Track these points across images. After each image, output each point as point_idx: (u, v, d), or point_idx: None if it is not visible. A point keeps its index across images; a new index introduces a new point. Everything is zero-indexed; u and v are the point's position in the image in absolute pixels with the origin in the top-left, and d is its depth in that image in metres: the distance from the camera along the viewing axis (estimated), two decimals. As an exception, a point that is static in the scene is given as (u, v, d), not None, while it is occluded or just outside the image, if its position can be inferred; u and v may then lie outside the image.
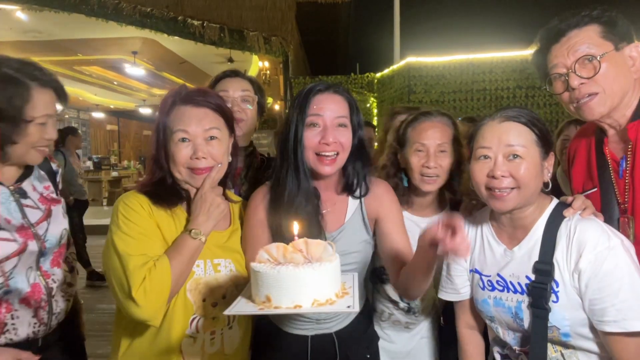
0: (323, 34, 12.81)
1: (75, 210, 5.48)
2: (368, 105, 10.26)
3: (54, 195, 1.53)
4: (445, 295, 1.49)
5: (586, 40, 1.25)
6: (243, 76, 1.85)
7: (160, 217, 1.23)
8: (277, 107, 15.15)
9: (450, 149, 1.60)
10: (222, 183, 1.35)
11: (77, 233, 5.46)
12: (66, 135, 5.76)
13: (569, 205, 1.26)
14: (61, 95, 1.43)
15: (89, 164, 17.43)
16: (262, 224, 1.35)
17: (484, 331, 1.51)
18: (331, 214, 1.38)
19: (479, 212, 1.46)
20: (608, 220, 1.30)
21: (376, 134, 4.61)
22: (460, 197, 1.68)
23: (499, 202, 1.22)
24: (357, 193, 1.40)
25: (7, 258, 1.32)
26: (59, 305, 1.46)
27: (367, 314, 1.63)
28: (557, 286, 1.19)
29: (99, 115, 20.25)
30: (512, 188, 1.20)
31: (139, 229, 1.18)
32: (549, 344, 1.24)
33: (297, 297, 0.92)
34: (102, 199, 12.51)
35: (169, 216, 1.25)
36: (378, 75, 10.00)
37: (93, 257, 5.72)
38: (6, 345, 1.32)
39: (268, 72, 10.97)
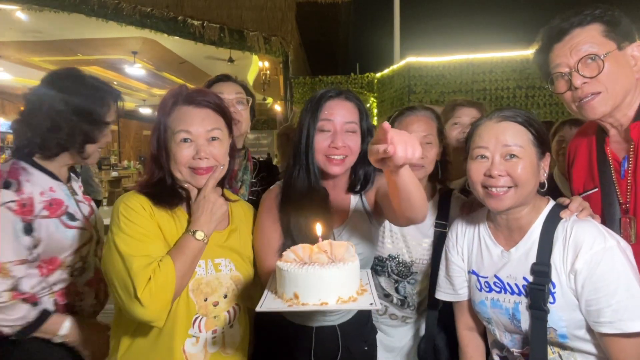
0: (323, 34, 12.82)
1: None
2: (368, 105, 10.27)
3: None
4: (443, 295, 1.49)
5: (589, 39, 1.24)
6: (235, 80, 1.91)
7: (161, 218, 1.23)
8: (277, 107, 15.16)
9: (435, 141, 1.67)
10: (221, 183, 1.36)
11: None
12: None
13: (566, 206, 1.26)
14: (118, 106, 1.66)
15: None
16: (274, 223, 1.39)
17: (484, 333, 1.50)
18: (336, 211, 1.44)
19: (476, 213, 1.46)
20: (609, 220, 1.29)
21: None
22: (448, 186, 1.78)
23: (496, 201, 1.21)
24: (357, 188, 1.47)
25: (84, 245, 1.56)
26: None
27: None
28: (554, 287, 1.18)
29: (99, 115, 20.21)
30: (509, 187, 1.20)
31: (140, 230, 1.17)
32: (547, 346, 1.23)
33: (323, 294, 0.98)
34: (102, 199, 12.52)
35: (170, 217, 1.25)
36: (378, 75, 10.01)
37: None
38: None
39: (268, 72, 10.97)
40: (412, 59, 8.75)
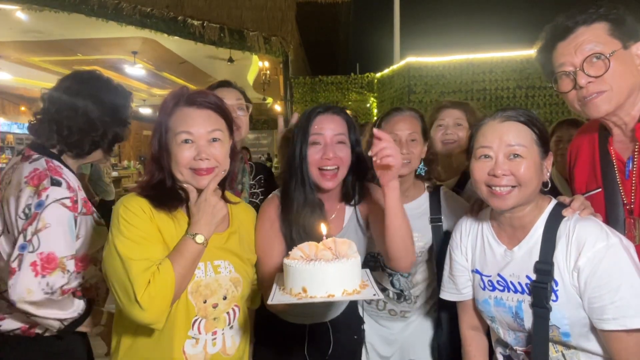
0: (323, 34, 12.83)
1: (99, 210, 5.46)
2: (368, 105, 10.27)
3: None
4: (447, 295, 1.49)
5: (594, 38, 1.22)
6: (234, 87, 1.95)
7: (161, 221, 1.23)
8: (277, 107, 15.15)
9: (420, 139, 1.75)
10: (222, 185, 1.35)
11: None
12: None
13: (568, 205, 1.26)
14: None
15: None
16: (275, 231, 1.48)
17: (488, 332, 1.50)
18: (333, 221, 1.54)
19: (480, 212, 1.47)
20: (613, 221, 1.28)
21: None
22: (435, 183, 1.86)
23: (499, 200, 1.22)
24: (353, 202, 1.57)
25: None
26: None
27: (354, 301, 1.75)
28: (557, 285, 1.19)
29: (99, 115, 20.20)
30: (513, 186, 1.21)
31: (140, 233, 1.17)
32: (550, 344, 1.23)
33: (329, 287, 1.05)
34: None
35: (170, 219, 1.25)
36: (378, 75, 10.01)
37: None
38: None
39: (268, 72, 10.96)
40: (412, 59, 8.75)
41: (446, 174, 2.13)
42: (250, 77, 11.99)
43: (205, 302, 1.25)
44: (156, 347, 1.22)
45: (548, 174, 1.26)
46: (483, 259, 1.37)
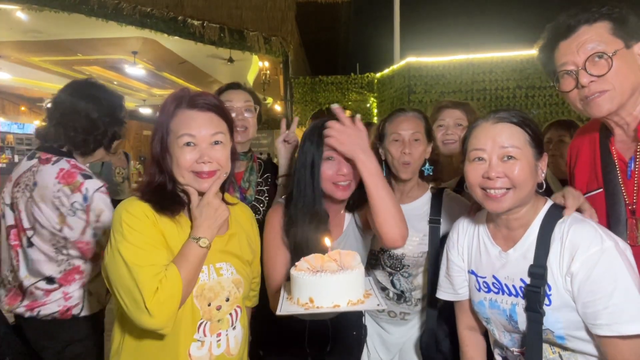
0: (323, 34, 12.81)
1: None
2: (368, 105, 10.27)
3: None
4: (443, 295, 1.49)
5: (596, 37, 1.21)
6: (244, 88, 1.97)
7: (164, 225, 1.22)
8: (277, 107, 15.14)
9: (423, 139, 1.75)
10: (222, 187, 1.34)
11: None
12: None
13: (563, 206, 1.24)
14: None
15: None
16: (279, 241, 1.51)
17: (487, 333, 1.49)
18: (333, 226, 1.57)
19: (477, 213, 1.46)
20: (614, 221, 1.27)
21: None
22: (440, 183, 1.86)
23: (495, 203, 1.21)
24: (351, 208, 1.61)
25: None
26: None
27: None
28: (550, 289, 1.18)
29: (99, 115, 20.18)
30: (508, 189, 1.20)
31: (145, 239, 1.16)
32: (547, 345, 1.23)
33: (335, 298, 1.10)
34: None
35: (172, 223, 1.24)
36: (378, 75, 10.00)
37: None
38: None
39: (268, 72, 10.96)
40: (412, 59, 8.74)
41: (447, 174, 2.13)
42: (250, 77, 11.99)
43: (209, 304, 1.25)
44: (161, 351, 1.22)
45: (543, 175, 1.25)
46: (478, 260, 1.36)
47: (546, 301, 1.18)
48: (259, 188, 1.95)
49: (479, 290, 1.35)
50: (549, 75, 1.35)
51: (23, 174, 1.72)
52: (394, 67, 9.40)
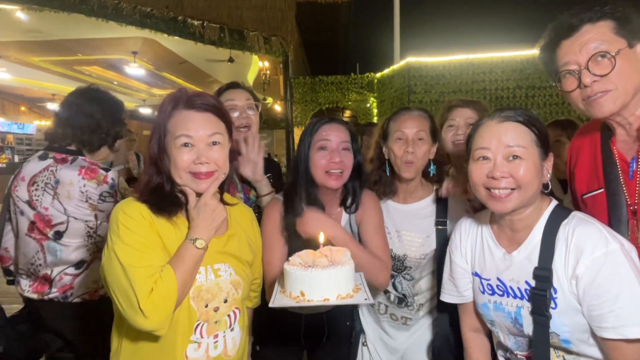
0: (323, 34, 12.80)
1: None
2: (368, 105, 10.27)
3: None
4: (447, 297, 1.46)
5: (599, 36, 1.19)
6: (244, 87, 1.99)
7: (161, 226, 1.22)
8: (277, 107, 15.14)
9: (428, 138, 1.72)
10: (220, 187, 1.34)
11: None
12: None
13: (567, 207, 1.23)
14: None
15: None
16: (277, 235, 1.56)
17: (490, 334, 1.48)
18: None
19: (480, 213, 1.44)
20: (616, 222, 1.26)
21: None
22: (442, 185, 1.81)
23: (499, 203, 1.19)
24: (350, 209, 1.65)
25: None
26: None
27: None
28: (555, 293, 1.16)
29: (99, 115, 20.18)
30: (512, 189, 1.18)
31: (141, 240, 1.16)
32: (551, 349, 1.21)
33: (325, 292, 1.15)
34: None
35: (170, 224, 1.24)
36: (378, 75, 10.01)
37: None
38: None
39: (268, 72, 10.96)
40: (412, 59, 8.75)
41: (459, 176, 2.09)
42: (250, 77, 11.99)
43: (206, 306, 1.24)
44: (158, 352, 1.21)
45: (548, 176, 1.23)
46: (482, 261, 1.34)
47: (552, 304, 1.16)
48: None
49: (483, 292, 1.33)
50: (551, 75, 1.33)
51: (39, 173, 1.84)
52: (394, 67, 9.41)
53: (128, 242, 1.14)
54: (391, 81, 9.48)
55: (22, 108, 17.63)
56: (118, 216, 1.18)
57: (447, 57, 8.60)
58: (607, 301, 1.08)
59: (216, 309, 1.26)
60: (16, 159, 15.45)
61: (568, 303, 1.15)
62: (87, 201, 1.83)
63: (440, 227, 1.70)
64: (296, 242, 1.50)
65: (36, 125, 17.83)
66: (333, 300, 1.15)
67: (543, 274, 1.17)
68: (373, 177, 1.79)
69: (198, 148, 1.23)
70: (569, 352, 1.21)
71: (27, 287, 1.86)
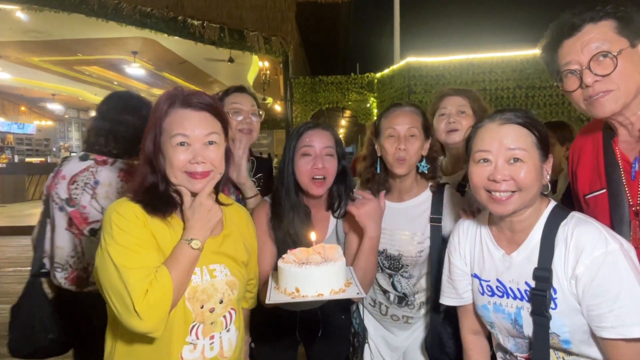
0: (323, 34, 12.81)
1: None
2: (368, 105, 10.27)
3: None
4: (446, 300, 1.44)
5: (601, 36, 1.18)
6: (249, 92, 2.00)
7: (155, 227, 1.19)
8: (277, 107, 15.15)
9: (420, 134, 1.68)
10: (216, 187, 1.32)
11: None
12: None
13: (566, 207, 1.22)
14: None
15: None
16: (265, 236, 1.61)
17: (489, 335, 1.47)
18: (317, 228, 1.63)
19: (478, 215, 1.43)
20: (618, 222, 1.25)
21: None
22: (439, 181, 1.77)
23: (500, 206, 1.18)
24: (337, 214, 1.67)
25: None
26: None
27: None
28: (555, 293, 1.15)
29: (99, 115, 20.24)
30: (513, 191, 1.16)
31: (135, 240, 1.13)
32: (551, 350, 1.21)
33: (319, 287, 1.19)
34: None
35: (164, 225, 1.21)
36: (378, 75, 10.01)
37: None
38: None
39: (268, 72, 10.97)
40: (412, 59, 8.75)
41: (452, 167, 2.05)
42: (250, 77, 11.99)
43: (202, 307, 1.22)
44: (153, 354, 1.19)
45: (548, 177, 1.23)
46: (482, 263, 1.34)
47: (552, 305, 1.16)
48: None
49: (482, 294, 1.32)
50: (552, 75, 1.32)
51: (79, 173, 1.90)
52: (394, 67, 9.41)
53: (122, 243, 1.11)
54: (391, 81, 9.49)
55: (22, 108, 17.64)
56: (111, 217, 1.15)
57: (447, 57, 8.61)
58: (606, 301, 1.08)
59: (212, 310, 1.24)
60: (16, 159, 15.46)
61: (568, 303, 1.15)
62: None
63: (434, 223, 1.68)
64: (284, 243, 1.54)
65: (36, 125, 17.85)
66: (327, 295, 1.19)
67: (543, 274, 1.17)
68: (366, 175, 1.78)
69: (194, 147, 1.21)
70: (569, 353, 1.20)
71: (63, 280, 1.92)
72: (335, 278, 1.22)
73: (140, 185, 1.22)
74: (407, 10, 10.31)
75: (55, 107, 17.71)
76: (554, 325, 1.16)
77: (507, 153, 1.18)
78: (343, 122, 14.37)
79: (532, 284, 1.19)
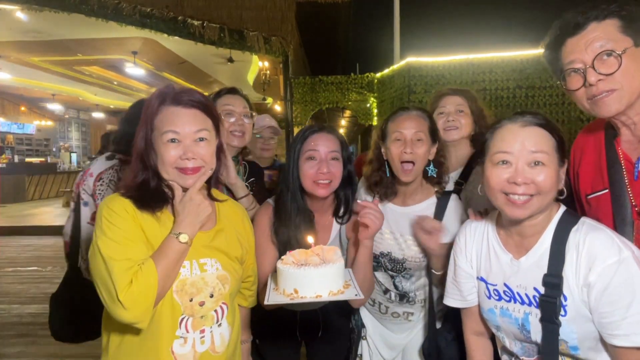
0: (323, 34, 12.80)
1: None
2: (368, 105, 10.26)
3: None
4: (451, 301, 1.44)
5: (605, 34, 1.17)
6: (241, 94, 2.00)
7: (145, 221, 1.22)
8: (277, 107, 15.14)
9: (427, 139, 1.68)
10: (207, 183, 1.35)
11: None
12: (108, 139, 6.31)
13: (577, 215, 1.20)
14: None
15: (89, 164, 17.47)
16: (267, 238, 1.61)
17: (493, 336, 1.46)
18: (320, 233, 1.64)
19: (486, 215, 1.41)
20: (620, 223, 1.25)
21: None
22: (444, 187, 1.76)
23: (517, 209, 1.16)
24: (340, 219, 1.68)
25: None
26: None
27: None
28: (565, 300, 1.15)
29: (99, 115, 20.23)
30: (532, 195, 1.15)
31: (123, 233, 1.17)
32: (559, 356, 1.19)
33: (318, 289, 1.20)
34: None
35: (154, 220, 1.24)
36: (378, 75, 10.00)
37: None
38: None
39: (268, 72, 10.96)
40: (412, 59, 8.74)
41: (449, 164, 2.03)
42: (250, 77, 11.99)
43: (191, 300, 1.24)
44: (143, 346, 1.22)
45: (562, 183, 1.21)
46: (488, 266, 1.32)
47: (561, 312, 1.15)
48: None
49: (489, 297, 1.31)
50: (555, 73, 1.31)
51: (105, 171, 2.01)
52: (394, 67, 9.40)
53: (110, 236, 1.15)
54: (391, 81, 9.48)
55: (22, 108, 17.63)
56: (102, 211, 1.20)
57: (447, 57, 8.59)
58: (619, 309, 1.07)
59: (201, 304, 1.26)
60: (16, 159, 15.44)
61: (578, 311, 1.14)
62: None
63: None
64: (287, 247, 1.53)
65: (36, 125, 17.84)
66: (325, 296, 1.20)
67: (553, 281, 1.15)
68: (373, 179, 1.76)
69: (184, 144, 1.24)
70: (576, 359, 1.20)
71: (85, 271, 2.01)
72: (334, 279, 1.22)
73: (132, 181, 1.26)
74: (407, 10, 10.30)
75: (55, 107, 17.70)
76: (563, 332, 1.15)
77: (529, 156, 1.16)
78: (343, 122, 14.36)
79: (542, 290, 1.17)
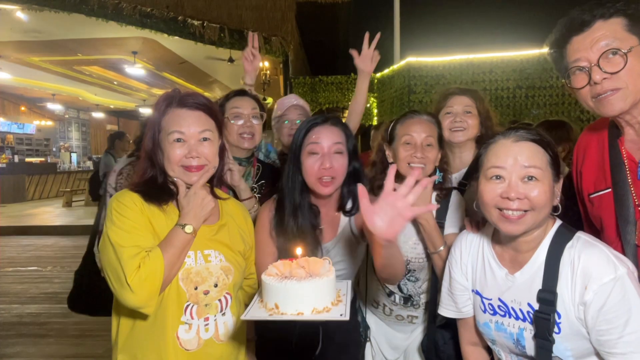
0: (323, 34, 12.80)
1: None
2: (368, 105, 10.27)
3: None
4: (445, 312, 1.43)
5: (611, 33, 1.16)
6: (250, 95, 2.00)
7: (152, 213, 1.30)
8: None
9: (436, 144, 1.67)
10: (210, 181, 1.41)
11: None
12: (114, 139, 6.43)
13: (573, 230, 1.19)
14: None
15: (89, 163, 17.47)
16: (268, 235, 1.55)
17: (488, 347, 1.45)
18: (326, 228, 1.57)
19: (483, 227, 1.39)
20: (623, 222, 1.24)
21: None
22: (445, 194, 1.74)
23: (511, 225, 1.16)
24: (350, 213, 1.58)
25: None
26: None
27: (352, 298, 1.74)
28: (559, 317, 1.14)
29: (99, 115, 20.26)
30: (525, 210, 1.14)
31: (131, 223, 1.25)
32: None
33: (299, 305, 1.08)
34: None
35: (161, 212, 1.32)
36: (378, 75, 10.00)
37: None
38: None
39: (268, 72, 10.97)
40: (412, 59, 8.74)
41: (454, 165, 2.03)
42: (250, 77, 11.97)
43: (196, 288, 1.31)
44: (151, 332, 1.28)
45: (558, 199, 1.20)
46: (483, 280, 1.31)
47: (555, 329, 1.14)
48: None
49: (484, 311, 1.30)
50: (560, 71, 1.30)
51: (125, 166, 2.09)
52: (394, 67, 9.40)
53: (119, 225, 1.24)
54: (391, 81, 9.48)
55: (22, 108, 17.64)
56: (113, 204, 1.28)
57: (447, 57, 8.60)
58: (616, 327, 1.07)
59: (206, 292, 1.32)
60: (16, 159, 15.44)
61: (572, 328, 1.13)
62: None
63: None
64: (289, 244, 1.47)
65: (36, 125, 17.85)
66: (307, 314, 1.07)
67: (547, 297, 1.14)
68: (377, 182, 1.72)
69: (189, 143, 1.33)
70: None
71: None
72: (320, 295, 1.09)
73: (140, 177, 1.37)
74: (407, 10, 10.29)
75: (55, 107, 17.71)
76: (557, 349, 1.14)
77: (522, 171, 1.15)
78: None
79: (536, 306, 1.17)
